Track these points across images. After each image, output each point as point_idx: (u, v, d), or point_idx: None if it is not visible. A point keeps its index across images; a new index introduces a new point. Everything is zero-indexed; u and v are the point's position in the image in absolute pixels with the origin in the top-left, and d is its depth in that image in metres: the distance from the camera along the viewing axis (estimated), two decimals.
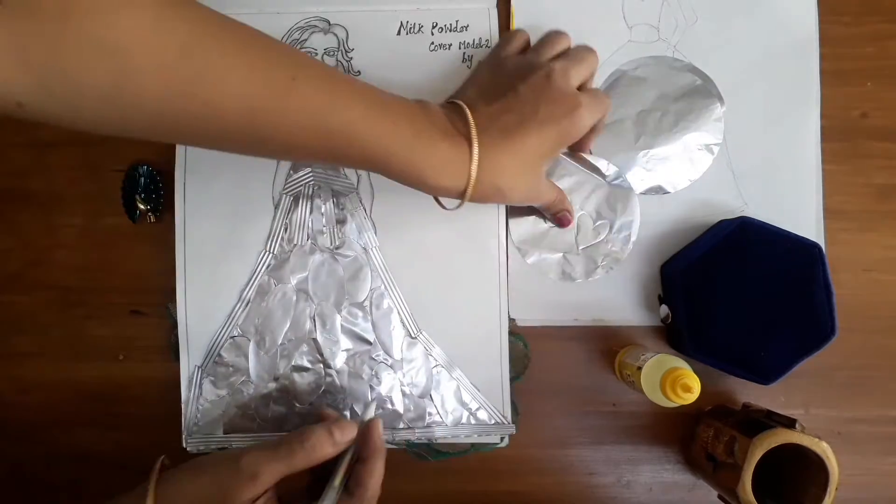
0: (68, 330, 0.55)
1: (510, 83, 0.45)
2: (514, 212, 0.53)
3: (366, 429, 0.42)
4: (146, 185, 0.54)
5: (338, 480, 0.40)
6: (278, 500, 0.41)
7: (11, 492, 0.55)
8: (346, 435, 0.41)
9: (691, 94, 0.53)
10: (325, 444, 0.41)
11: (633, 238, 0.52)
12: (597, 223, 0.53)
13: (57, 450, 0.54)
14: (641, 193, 0.53)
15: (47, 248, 0.55)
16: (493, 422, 0.53)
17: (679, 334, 0.50)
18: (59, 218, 0.55)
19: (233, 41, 0.35)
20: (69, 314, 0.55)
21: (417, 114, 0.42)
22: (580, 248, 0.53)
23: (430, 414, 0.52)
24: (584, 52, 0.48)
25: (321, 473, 0.42)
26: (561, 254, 0.53)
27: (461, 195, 0.43)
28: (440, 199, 0.47)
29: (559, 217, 0.51)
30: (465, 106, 0.43)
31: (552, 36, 0.49)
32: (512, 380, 0.53)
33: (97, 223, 0.55)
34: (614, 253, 0.52)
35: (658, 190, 0.53)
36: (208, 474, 0.40)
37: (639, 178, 0.53)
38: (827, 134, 0.53)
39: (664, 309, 0.51)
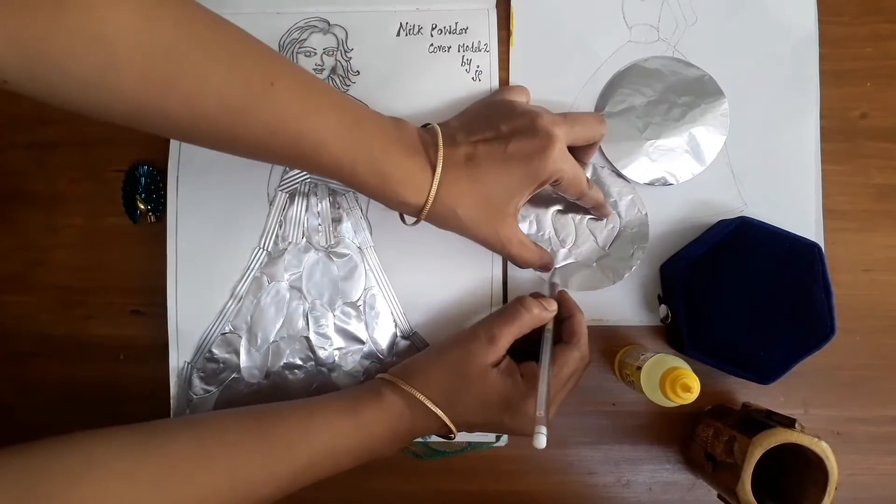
0: (68, 330, 0.55)
1: (496, 122, 0.45)
2: None
3: (559, 297, 0.50)
4: (147, 185, 0.54)
5: (550, 324, 0.47)
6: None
7: None
8: (552, 304, 0.48)
9: (699, 87, 0.53)
10: (542, 309, 0.47)
11: (645, 210, 0.53)
12: (607, 226, 0.53)
13: None
14: (645, 184, 0.53)
15: (47, 248, 0.55)
16: None
17: (679, 334, 0.50)
18: (59, 218, 0.55)
19: (217, 43, 0.37)
20: (69, 314, 0.55)
21: (389, 130, 0.43)
22: (608, 249, 0.53)
23: None
24: (587, 115, 0.48)
25: (519, 352, 0.47)
26: (591, 264, 0.53)
27: (419, 212, 0.44)
28: (402, 214, 0.48)
29: (540, 269, 0.51)
30: (438, 130, 0.45)
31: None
32: None
33: (97, 223, 0.55)
34: (636, 234, 0.53)
35: (662, 181, 0.53)
36: (452, 346, 0.46)
37: (643, 168, 0.53)
38: (826, 134, 0.53)
39: (664, 309, 0.51)
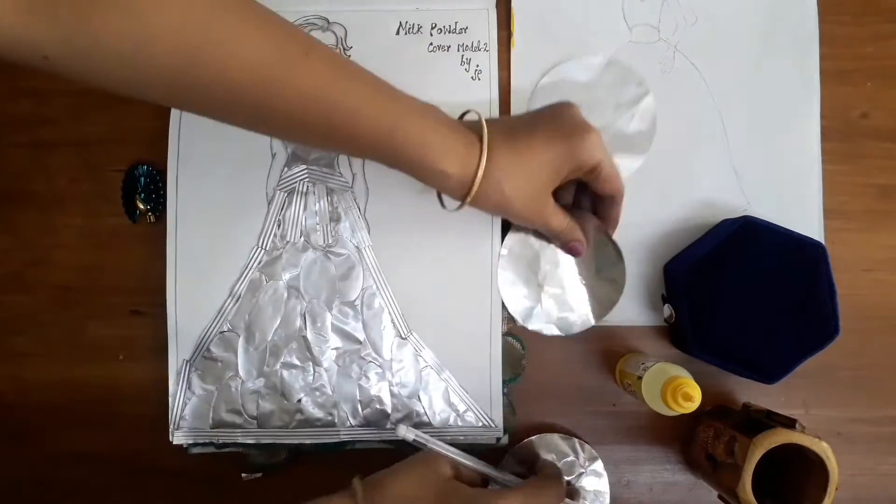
0: (68, 330, 0.55)
1: (532, 110, 0.45)
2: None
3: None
4: (146, 185, 0.54)
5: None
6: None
7: (11, 491, 0.55)
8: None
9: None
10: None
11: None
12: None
13: (56, 450, 0.54)
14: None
15: (47, 248, 0.55)
16: (480, 424, 0.52)
17: (682, 334, 0.50)
18: (59, 218, 0.55)
19: (250, 13, 0.37)
20: (69, 314, 0.55)
21: (426, 105, 0.42)
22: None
23: (417, 414, 0.52)
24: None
25: None
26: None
27: (465, 190, 0.43)
28: (442, 196, 0.47)
29: (570, 247, 0.50)
30: (478, 112, 0.44)
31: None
32: (509, 381, 0.53)
33: (97, 223, 0.55)
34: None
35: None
36: (414, 472, 0.44)
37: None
38: (827, 134, 0.53)
39: (668, 308, 0.51)
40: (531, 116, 0.45)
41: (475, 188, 0.42)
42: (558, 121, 0.44)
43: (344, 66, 0.40)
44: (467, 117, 0.46)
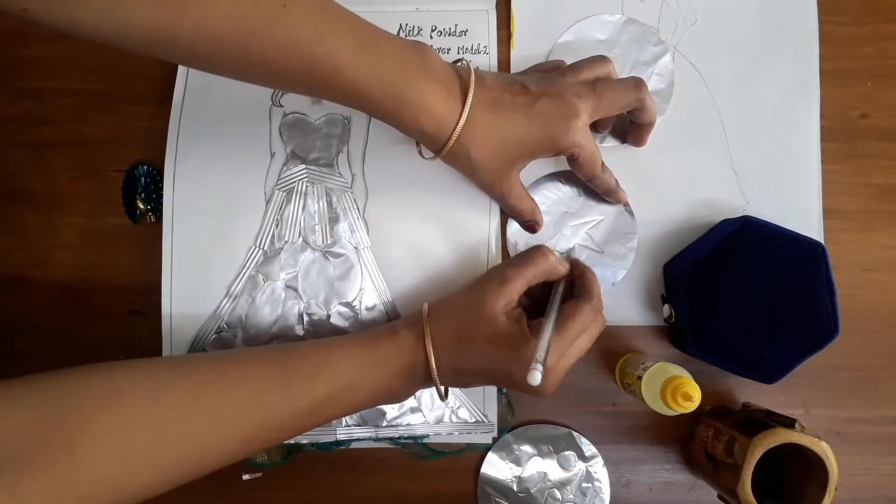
0: (68, 330, 0.55)
1: (525, 82, 0.46)
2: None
3: (571, 261, 0.50)
4: (146, 185, 0.54)
5: (561, 286, 0.47)
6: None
7: None
8: (566, 264, 0.48)
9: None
10: (557, 262, 0.47)
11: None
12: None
13: None
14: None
15: (47, 248, 0.55)
16: (473, 420, 0.52)
17: (682, 334, 0.50)
18: (59, 218, 0.55)
19: None
20: (69, 314, 0.55)
21: (409, 53, 0.43)
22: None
23: (412, 410, 0.52)
24: (618, 83, 0.47)
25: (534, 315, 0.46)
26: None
27: (438, 146, 0.44)
28: (420, 146, 0.48)
29: (528, 225, 0.52)
30: (472, 68, 0.45)
31: (593, 58, 0.49)
32: None
33: (97, 223, 0.55)
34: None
35: None
36: (467, 288, 0.47)
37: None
38: (827, 134, 0.53)
39: (667, 308, 0.51)
40: (523, 94, 0.45)
41: (445, 150, 0.44)
42: (547, 103, 0.44)
43: (324, 17, 0.40)
44: (460, 65, 0.46)
